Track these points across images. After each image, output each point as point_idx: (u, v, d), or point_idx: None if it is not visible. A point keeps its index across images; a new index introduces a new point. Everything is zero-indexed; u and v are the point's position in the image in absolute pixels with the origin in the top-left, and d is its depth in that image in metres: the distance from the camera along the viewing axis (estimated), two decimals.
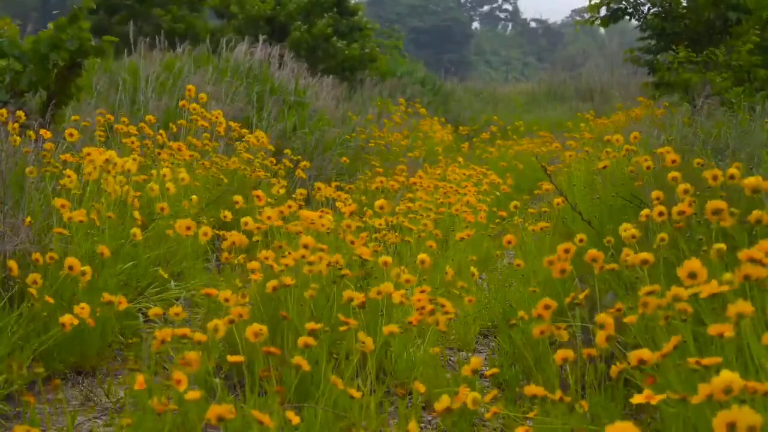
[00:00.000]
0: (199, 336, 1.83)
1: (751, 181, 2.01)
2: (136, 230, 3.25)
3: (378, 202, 3.90)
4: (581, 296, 2.03)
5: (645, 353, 1.57)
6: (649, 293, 1.79)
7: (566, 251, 2.10)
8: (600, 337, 1.78)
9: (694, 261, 1.75)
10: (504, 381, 2.85)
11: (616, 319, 1.87)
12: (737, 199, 2.47)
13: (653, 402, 1.48)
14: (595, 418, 2.02)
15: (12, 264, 2.47)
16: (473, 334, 3.43)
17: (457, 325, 3.37)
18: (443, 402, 1.55)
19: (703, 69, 8.26)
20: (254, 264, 2.66)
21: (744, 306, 1.46)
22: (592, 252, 2.22)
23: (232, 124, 6.07)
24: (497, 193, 5.91)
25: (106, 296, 2.33)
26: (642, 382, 1.64)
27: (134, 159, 3.70)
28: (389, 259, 2.74)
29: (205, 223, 3.96)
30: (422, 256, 2.91)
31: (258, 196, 3.72)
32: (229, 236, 2.83)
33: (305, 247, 2.68)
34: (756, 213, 1.98)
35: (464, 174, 6.05)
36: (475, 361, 1.76)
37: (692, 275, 1.73)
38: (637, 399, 1.49)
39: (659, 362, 1.65)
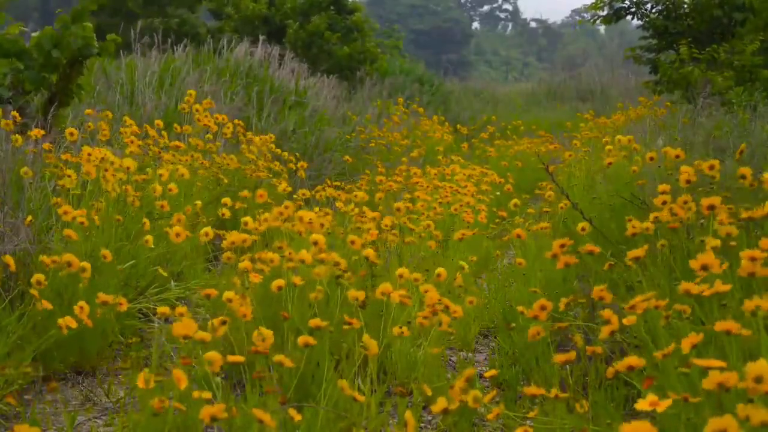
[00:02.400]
0: (201, 335, 1.82)
1: None
2: (149, 238, 3.26)
3: (396, 204, 3.93)
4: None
5: (633, 360, 1.56)
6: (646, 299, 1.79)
7: (562, 246, 2.10)
8: (604, 332, 1.76)
9: (708, 254, 1.75)
10: (504, 381, 2.84)
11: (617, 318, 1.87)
12: (739, 198, 2.47)
13: (659, 409, 1.40)
14: (595, 417, 2.01)
15: (8, 259, 2.46)
16: (473, 334, 3.43)
17: (457, 325, 3.37)
18: (440, 404, 1.55)
19: (704, 68, 8.27)
20: (248, 264, 2.65)
21: (760, 302, 1.45)
22: (585, 245, 2.22)
23: (236, 121, 6.09)
24: (497, 193, 5.91)
25: (102, 296, 2.32)
26: (640, 383, 1.63)
27: (130, 155, 3.69)
28: (406, 271, 2.73)
29: (206, 223, 3.96)
30: (440, 270, 2.90)
31: (261, 195, 3.73)
32: (229, 236, 2.83)
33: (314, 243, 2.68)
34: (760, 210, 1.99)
35: (464, 174, 6.05)
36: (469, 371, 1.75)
37: (705, 267, 1.73)
38: (641, 405, 1.42)
39: (660, 363, 1.65)
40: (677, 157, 3.03)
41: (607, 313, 1.81)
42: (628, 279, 2.50)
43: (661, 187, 2.56)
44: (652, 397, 1.44)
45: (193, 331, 1.77)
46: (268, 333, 1.86)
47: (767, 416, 1.12)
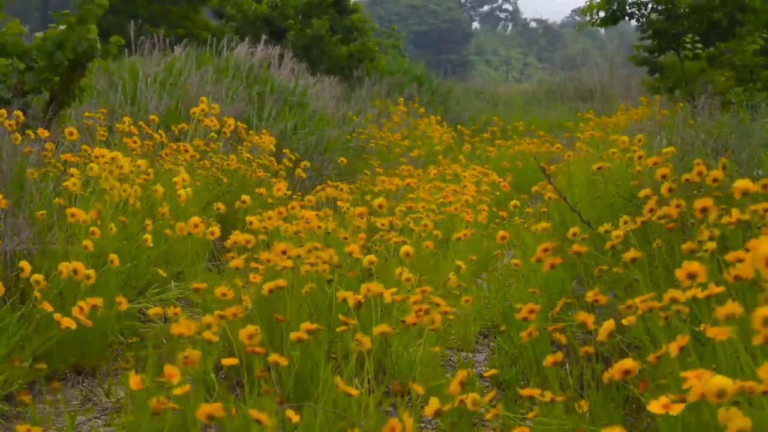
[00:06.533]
0: (196, 336, 1.83)
1: (740, 184, 2.02)
2: (147, 237, 3.28)
3: (377, 201, 3.91)
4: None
5: (629, 363, 1.56)
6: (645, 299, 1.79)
7: (545, 250, 2.11)
8: (602, 333, 1.76)
9: (693, 263, 1.76)
10: (504, 381, 2.85)
11: (615, 319, 1.87)
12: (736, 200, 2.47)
13: (673, 412, 1.39)
14: (594, 418, 2.02)
15: (24, 264, 2.47)
16: (473, 334, 3.43)
17: (457, 325, 3.37)
18: (432, 405, 1.55)
19: (706, 65, 8.27)
20: (239, 263, 2.66)
21: (734, 307, 1.45)
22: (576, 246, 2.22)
23: (239, 124, 6.10)
24: (497, 193, 5.91)
25: (95, 301, 2.33)
26: (636, 385, 1.63)
27: (133, 160, 3.71)
28: (374, 258, 2.73)
29: (210, 222, 3.97)
30: (406, 248, 2.91)
31: (260, 193, 3.74)
32: (232, 237, 2.83)
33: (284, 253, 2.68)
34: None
35: (465, 174, 6.05)
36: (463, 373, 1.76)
37: (691, 276, 1.73)
38: (654, 407, 1.42)
39: (657, 363, 1.65)
40: (654, 164, 3.04)
41: (582, 315, 1.81)
42: (627, 279, 2.50)
43: (643, 192, 2.58)
44: (664, 399, 1.43)
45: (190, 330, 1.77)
46: (256, 329, 1.85)
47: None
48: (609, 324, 1.71)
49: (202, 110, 5.62)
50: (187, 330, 1.82)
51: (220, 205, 3.93)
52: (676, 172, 3.02)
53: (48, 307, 2.28)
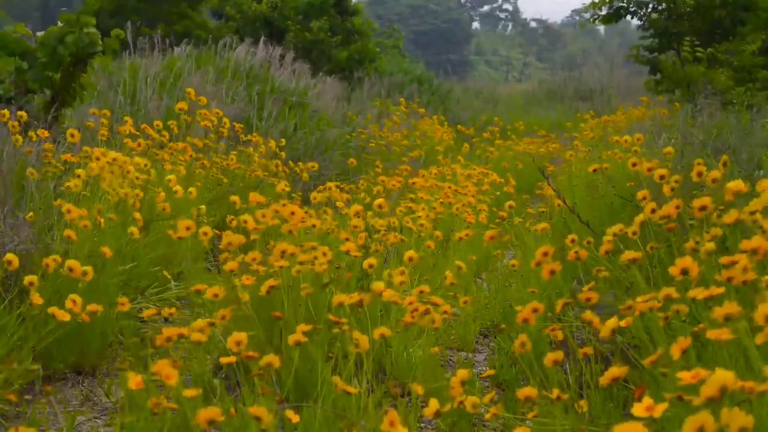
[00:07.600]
0: (198, 336, 1.82)
1: (732, 185, 2.02)
2: (133, 229, 3.26)
3: (377, 201, 3.90)
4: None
5: (616, 371, 1.55)
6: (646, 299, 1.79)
7: (545, 254, 2.10)
8: (605, 330, 1.76)
9: (686, 258, 1.75)
10: (504, 381, 2.85)
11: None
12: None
13: (655, 414, 1.39)
14: (594, 418, 2.02)
15: (11, 257, 2.46)
16: (473, 334, 3.43)
17: (457, 325, 3.37)
18: (432, 407, 1.55)
19: (706, 67, 8.26)
20: (234, 265, 2.65)
21: (732, 308, 1.45)
22: (575, 250, 2.22)
23: (235, 124, 6.10)
24: (497, 193, 5.91)
25: (93, 307, 2.32)
26: (637, 385, 1.63)
27: (134, 158, 3.70)
28: (374, 261, 2.73)
29: (205, 222, 3.96)
30: (409, 252, 2.90)
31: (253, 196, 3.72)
32: (226, 236, 2.83)
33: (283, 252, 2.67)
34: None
35: (465, 174, 6.05)
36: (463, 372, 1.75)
37: (684, 272, 1.73)
38: (637, 410, 1.40)
39: (658, 363, 1.65)
40: (650, 170, 3.03)
41: (588, 315, 1.81)
42: (626, 279, 2.50)
43: (641, 194, 2.58)
44: (647, 400, 1.43)
45: (186, 331, 1.77)
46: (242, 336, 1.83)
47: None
48: (612, 322, 1.70)
49: (181, 108, 5.61)
50: (187, 331, 1.82)
51: (233, 217, 3.93)
52: (676, 173, 3.02)
53: (38, 299, 2.28)
